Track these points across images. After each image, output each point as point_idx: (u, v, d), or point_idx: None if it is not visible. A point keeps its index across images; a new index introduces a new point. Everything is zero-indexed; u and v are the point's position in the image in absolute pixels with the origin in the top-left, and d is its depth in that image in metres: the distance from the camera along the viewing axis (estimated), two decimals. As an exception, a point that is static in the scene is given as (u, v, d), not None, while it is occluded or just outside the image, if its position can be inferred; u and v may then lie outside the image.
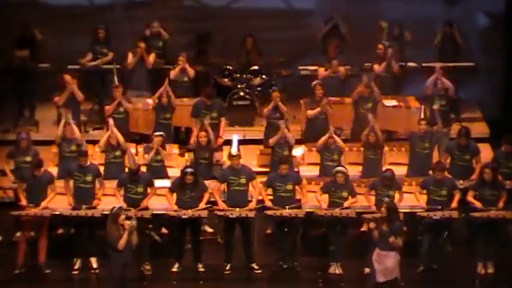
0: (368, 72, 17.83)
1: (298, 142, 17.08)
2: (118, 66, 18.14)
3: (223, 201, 15.47)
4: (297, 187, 15.53)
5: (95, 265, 15.29)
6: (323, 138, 16.36)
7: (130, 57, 18.35)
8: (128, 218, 14.28)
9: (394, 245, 14.14)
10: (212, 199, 15.69)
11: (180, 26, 19.85)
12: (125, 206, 15.19)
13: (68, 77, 17.33)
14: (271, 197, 15.52)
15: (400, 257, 14.23)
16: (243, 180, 15.47)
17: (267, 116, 17.27)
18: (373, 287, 14.26)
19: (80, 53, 18.68)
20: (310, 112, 17.30)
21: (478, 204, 15.37)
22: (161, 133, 16.43)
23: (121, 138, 16.12)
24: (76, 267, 15.43)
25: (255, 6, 20.20)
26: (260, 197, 15.60)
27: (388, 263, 14.18)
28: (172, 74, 17.93)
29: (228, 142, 16.70)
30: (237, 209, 15.30)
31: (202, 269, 15.42)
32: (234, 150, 15.88)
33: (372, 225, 14.33)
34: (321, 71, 18.22)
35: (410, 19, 19.21)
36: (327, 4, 19.81)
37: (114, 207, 14.41)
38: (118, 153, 16.31)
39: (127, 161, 16.22)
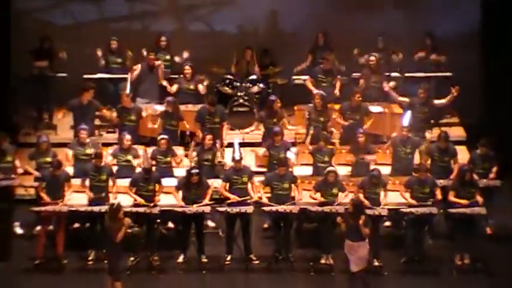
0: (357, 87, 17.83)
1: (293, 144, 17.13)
2: (129, 75, 18.07)
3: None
4: (292, 185, 15.48)
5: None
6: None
7: (138, 67, 18.24)
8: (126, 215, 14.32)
9: (364, 235, 14.16)
10: (215, 196, 15.67)
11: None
12: (141, 201, 15.23)
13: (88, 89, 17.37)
14: (269, 195, 15.46)
15: (369, 246, 14.25)
16: (245, 179, 15.49)
17: (265, 120, 17.28)
18: (351, 275, 14.22)
19: (93, 63, 18.62)
20: (307, 121, 17.24)
21: (463, 202, 15.30)
22: (165, 136, 16.41)
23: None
24: (90, 258, 15.42)
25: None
26: (259, 194, 15.51)
27: (360, 253, 14.16)
28: (174, 88, 17.96)
29: (230, 144, 16.61)
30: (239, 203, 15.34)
31: (205, 260, 15.40)
32: (237, 155, 15.79)
33: (339, 219, 14.37)
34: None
35: (394, 32, 19.15)
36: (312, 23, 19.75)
37: (113, 204, 14.38)
38: (129, 156, 16.23)
39: (137, 161, 16.16)
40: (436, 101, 17.47)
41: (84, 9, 19.99)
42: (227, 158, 16.69)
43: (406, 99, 17.53)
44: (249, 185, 15.54)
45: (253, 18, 20.17)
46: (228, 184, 15.58)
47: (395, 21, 19.67)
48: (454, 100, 17.39)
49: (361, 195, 15.32)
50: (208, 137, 16.35)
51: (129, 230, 15.20)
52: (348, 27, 19.45)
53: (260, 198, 15.51)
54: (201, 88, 18.07)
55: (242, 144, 16.75)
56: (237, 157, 15.73)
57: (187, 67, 18.13)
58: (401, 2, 20.04)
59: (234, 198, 15.42)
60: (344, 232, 14.32)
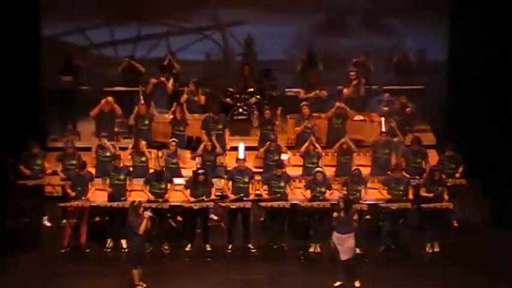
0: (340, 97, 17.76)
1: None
2: (143, 88, 18.02)
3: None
4: (287, 185, 15.42)
5: (124, 245, 15.12)
6: (305, 145, 16.35)
7: (151, 82, 18.20)
8: (146, 209, 14.22)
9: (353, 227, 14.03)
10: (219, 193, 15.58)
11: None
12: (152, 198, 15.17)
13: (110, 98, 17.32)
14: (266, 192, 15.43)
15: (354, 237, 14.10)
16: (246, 179, 15.41)
17: (261, 127, 17.22)
18: (340, 263, 14.06)
19: (113, 79, 18.67)
20: (297, 129, 17.16)
21: (430, 195, 15.27)
22: (175, 139, 16.38)
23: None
24: (108, 246, 15.36)
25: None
26: (257, 191, 15.47)
27: (349, 243, 14.03)
28: (183, 98, 17.76)
29: (234, 148, 16.49)
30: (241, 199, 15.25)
31: (209, 249, 15.35)
32: (241, 155, 15.72)
33: (335, 214, 14.23)
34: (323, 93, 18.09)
35: (371, 49, 19.05)
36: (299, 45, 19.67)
37: (134, 201, 14.27)
38: (144, 158, 16.18)
39: (151, 164, 16.12)
40: (408, 109, 17.47)
41: (98, 33, 19.98)
42: (230, 160, 16.59)
43: (385, 108, 17.49)
44: (250, 185, 15.44)
45: (254, 39, 20.13)
46: (230, 182, 15.48)
47: (367, 41, 19.59)
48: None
49: (344, 192, 15.23)
50: (209, 142, 16.33)
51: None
52: (328, 47, 19.38)
53: (257, 195, 15.41)
54: (203, 99, 17.97)
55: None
56: (241, 157, 15.65)
57: (191, 83, 18.00)
58: (371, 25, 19.97)
59: (231, 196, 15.34)
60: (333, 225, 14.15)
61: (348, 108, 17.42)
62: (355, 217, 14.14)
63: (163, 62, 18.75)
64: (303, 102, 17.52)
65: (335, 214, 14.17)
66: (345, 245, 14.05)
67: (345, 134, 16.84)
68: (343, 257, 14.03)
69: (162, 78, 18.22)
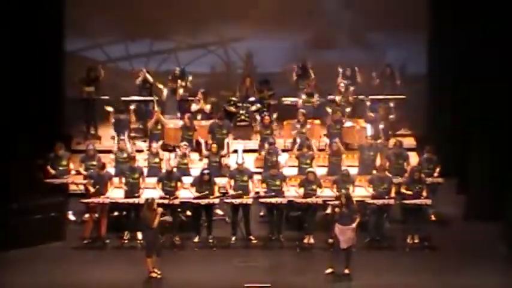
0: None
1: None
2: (157, 98, 18.09)
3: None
4: (283, 183, 15.46)
5: (139, 237, 15.21)
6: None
7: (164, 91, 18.26)
8: (158, 205, 14.29)
9: (354, 220, 14.16)
10: (222, 191, 15.58)
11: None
12: (163, 194, 15.19)
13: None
14: (265, 189, 15.44)
15: (356, 229, 14.21)
16: (245, 178, 15.46)
17: (261, 132, 17.27)
18: (338, 251, 14.20)
19: (126, 88, 18.65)
20: (293, 133, 17.28)
21: (410, 194, 15.28)
22: (185, 143, 16.48)
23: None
24: (126, 238, 15.38)
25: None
26: (256, 189, 15.51)
27: (349, 234, 14.17)
28: (193, 108, 17.83)
29: (236, 151, 16.66)
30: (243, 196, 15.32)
31: (215, 240, 15.34)
32: (240, 159, 15.80)
33: (337, 209, 14.34)
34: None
35: (358, 62, 18.98)
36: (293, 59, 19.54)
37: (148, 198, 14.31)
38: (157, 159, 16.18)
39: (163, 164, 16.10)
40: (391, 116, 17.55)
41: (115, 49, 20.01)
42: (232, 161, 16.57)
43: (372, 114, 17.60)
44: (250, 183, 15.46)
45: (253, 53, 20.14)
46: (232, 181, 15.52)
47: (353, 55, 19.58)
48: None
49: (335, 190, 15.35)
50: (214, 145, 16.37)
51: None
52: (318, 60, 19.36)
53: (257, 193, 15.46)
54: (208, 108, 18.02)
55: (244, 151, 16.71)
56: (240, 161, 15.76)
57: (201, 91, 18.12)
58: (357, 41, 19.96)
59: (232, 193, 15.37)
60: (336, 218, 14.21)
61: (340, 114, 17.45)
62: (355, 210, 14.18)
63: (174, 73, 18.67)
64: (300, 110, 17.58)
65: (337, 209, 14.26)
66: (346, 235, 14.12)
67: (342, 138, 16.95)
68: (343, 245, 14.10)
69: (174, 88, 18.22)
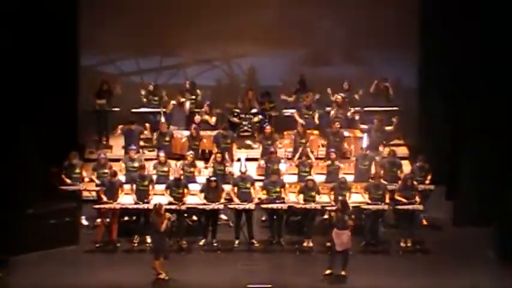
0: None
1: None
2: (164, 109, 18.13)
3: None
4: (282, 189, 15.52)
5: (148, 240, 15.20)
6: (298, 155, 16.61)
7: (171, 104, 18.24)
8: (166, 210, 14.35)
9: (348, 225, 14.26)
10: (227, 197, 15.60)
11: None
12: (172, 200, 15.25)
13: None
14: (265, 196, 15.48)
15: (350, 233, 14.29)
16: (248, 185, 15.55)
17: (263, 142, 17.28)
18: (334, 254, 14.28)
19: (136, 101, 18.64)
20: (294, 143, 17.22)
21: (403, 200, 15.37)
22: (192, 152, 16.50)
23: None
24: (135, 241, 15.45)
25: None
26: (259, 196, 15.50)
27: (343, 239, 14.24)
28: (197, 119, 17.80)
29: (239, 160, 16.65)
30: (245, 203, 15.38)
31: (219, 244, 15.37)
32: (243, 168, 15.88)
33: (334, 214, 14.43)
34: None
35: (354, 77, 18.94)
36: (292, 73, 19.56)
37: (156, 204, 14.35)
38: (165, 168, 16.15)
39: (171, 173, 16.07)
40: (387, 128, 17.66)
41: (126, 63, 20.06)
42: (236, 169, 16.54)
43: (365, 126, 17.68)
44: (252, 190, 15.54)
45: (255, 68, 20.18)
46: (236, 188, 15.60)
47: (348, 70, 19.61)
48: (397, 126, 17.51)
49: (332, 197, 15.44)
50: (219, 154, 16.38)
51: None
52: (315, 75, 19.38)
53: (259, 199, 15.47)
54: (213, 120, 18.07)
55: (246, 159, 16.74)
56: (243, 169, 15.84)
57: (205, 105, 18.14)
58: (352, 58, 20.00)
59: (236, 200, 15.39)
60: (333, 223, 14.32)
61: (339, 126, 17.43)
62: (350, 216, 14.24)
63: (186, 85, 18.73)
64: (299, 121, 17.63)
65: (334, 214, 14.32)
66: (341, 239, 14.19)
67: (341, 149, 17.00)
68: (339, 248, 14.17)
69: (181, 101, 18.24)
